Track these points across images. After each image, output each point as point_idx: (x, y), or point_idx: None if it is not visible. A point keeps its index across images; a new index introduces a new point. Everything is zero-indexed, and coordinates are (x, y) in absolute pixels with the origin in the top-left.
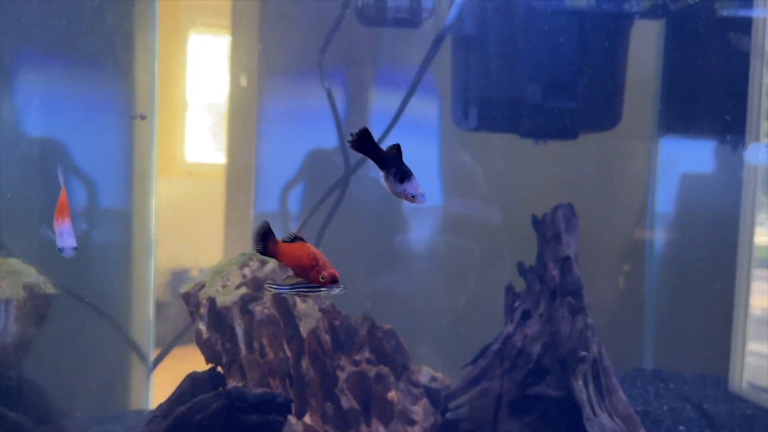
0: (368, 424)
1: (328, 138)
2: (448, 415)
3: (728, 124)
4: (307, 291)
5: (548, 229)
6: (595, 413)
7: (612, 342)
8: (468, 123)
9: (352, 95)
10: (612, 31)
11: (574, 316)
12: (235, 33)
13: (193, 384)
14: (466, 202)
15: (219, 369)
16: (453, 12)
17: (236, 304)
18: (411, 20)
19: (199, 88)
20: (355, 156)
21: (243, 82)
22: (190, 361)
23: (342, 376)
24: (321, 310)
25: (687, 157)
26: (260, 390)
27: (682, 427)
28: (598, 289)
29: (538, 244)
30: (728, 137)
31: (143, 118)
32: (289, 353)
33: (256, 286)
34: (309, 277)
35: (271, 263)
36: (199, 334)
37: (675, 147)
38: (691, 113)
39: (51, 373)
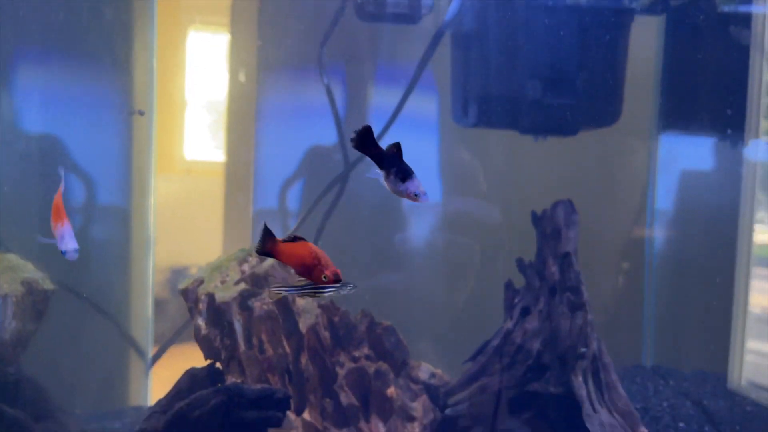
0: (367, 421)
1: (327, 135)
2: (448, 411)
3: (728, 121)
4: (315, 291)
5: (548, 225)
6: (594, 409)
7: (611, 339)
8: (467, 119)
9: (352, 91)
10: (612, 27)
11: (574, 312)
12: (233, 30)
13: (191, 380)
14: (466, 199)
15: (218, 365)
16: (452, 8)
17: (235, 300)
18: (410, 16)
19: (198, 85)
20: (354, 152)
21: (242, 77)
22: (188, 358)
23: (341, 372)
24: (320, 306)
25: (687, 154)
26: (259, 386)
27: (681, 424)
28: (597, 285)
29: (538, 240)
30: (728, 134)
31: (141, 113)
32: (288, 349)
33: (255, 281)
34: (312, 276)
35: (270, 259)
36: (197, 329)
37: (675, 143)
38: (691, 109)
39: (50, 369)
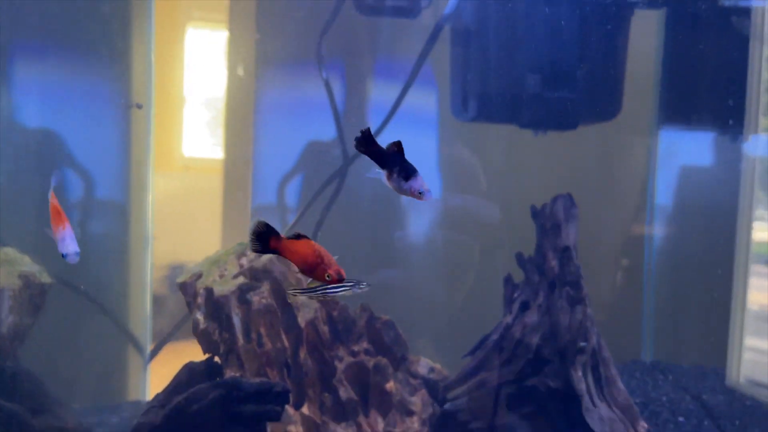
0: (366, 415)
1: (325, 130)
2: (447, 405)
3: (728, 116)
4: (331, 291)
5: (547, 220)
6: (594, 403)
7: (611, 334)
8: (467, 114)
9: (350, 86)
10: (612, 20)
11: (573, 306)
12: (232, 25)
13: (190, 374)
14: (465, 195)
15: (216, 359)
16: (452, 1)
17: (234, 294)
18: (410, 9)
19: (196, 82)
20: (353, 147)
21: (240, 72)
22: (187, 355)
23: (340, 366)
24: (319, 301)
25: (687, 150)
26: (258, 380)
27: (681, 418)
28: (597, 281)
29: (537, 234)
30: (728, 129)
31: (140, 107)
32: (286, 343)
33: (254, 275)
34: (314, 275)
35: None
36: (196, 323)
37: (675, 139)
38: (691, 104)
39: (47, 363)
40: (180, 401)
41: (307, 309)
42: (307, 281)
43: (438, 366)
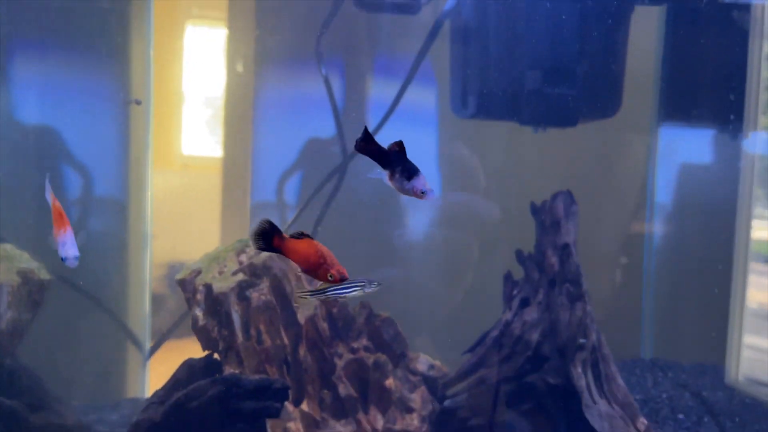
0: (366, 412)
1: (325, 127)
2: (446, 402)
3: (728, 114)
4: (342, 292)
5: (547, 217)
6: (594, 400)
7: (611, 331)
8: (466, 110)
9: (350, 83)
10: (612, 17)
11: (573, 303)
12: (231, 21)
13: (189, 371)
14: (464, 192)
15: (215, 356)
16: None
17: (233, 291)
18: (409, 6)
19: (196, 80)
20: (352, 144)
21: (239, 68)
22: (186, 352)
23: (339, 363)
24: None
25: (686, 147)
26: (257, 376)
27: (680, 415)
28: (596, 278)
29: (537, 231)
30: (727, 126)
31: (138, 103)
32: (286, 340)
33: (253, 272)
34: (317, 275)
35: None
36: (195, 320)
37: (675, 136)
38: (691, 102)
39: (47, 360)
40: (179, 398)
41: (306, 306)
42: (311, 281)
43: (437, 363)
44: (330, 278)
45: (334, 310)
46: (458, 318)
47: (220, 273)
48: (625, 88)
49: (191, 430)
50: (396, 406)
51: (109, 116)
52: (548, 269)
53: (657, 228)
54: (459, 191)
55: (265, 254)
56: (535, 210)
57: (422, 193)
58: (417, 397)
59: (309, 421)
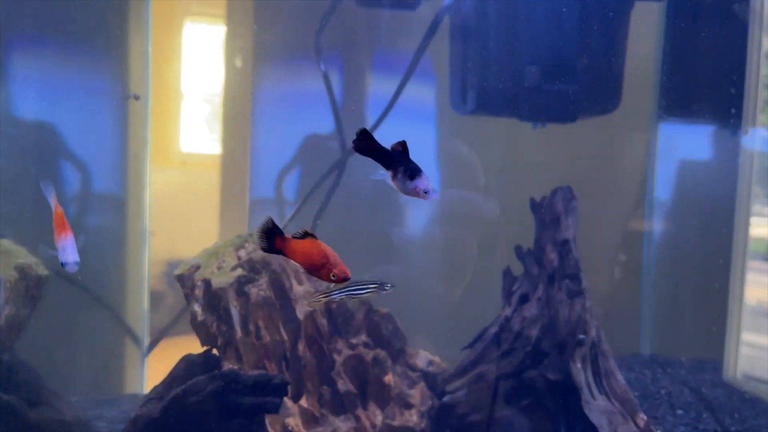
0: (365, 408)
1: (323, 122)
2: (445, 398)
3: (727, 111)
4: (355, 294)
5: (547, 212)
6: (593, 396)
7: (610, 327)
8: (466, 107)
9: (349, 79)
10: (612, 13)
11: (573, 299)
12: (229, 17)
13: (187, 366)
14: (464, 189)
15: (214, 351)
16: None
17: (232, 286)
18: (409, 1)
19: (194, 77)
20: (351, 140)
21: (238, 63)
22: (185, 349)
23: (339, 359)
24: (318, 292)
25: (686, 143)
26: (256, 372)
27: (679, 411)
28: (596, 274)
29: (536, 227)
30: (727, 124)
31: (137, 98)
32: (285, 336)
33: (252, 267)
34: (320, 275)
35: None
36: (194, 316)
37: (674, 132)
38: (691, 98)
39: (45, 356)
40: (178, 393)
41: (305, 302)
42: (311, 278)
43: (437, 359)
44: (333, 278)
45: (333, 306)
46: (457, 314)
47: (219, 268)
48: (624, 84)
49: (190, 426)
50: (395, 401)
51: (108, 112)
52: (548, 265)
53: (656, 224)
54: (458, 188)
55: None
56: (535, 206)
57: (425, 193)
58: (416, 393)
59: (308, 417)
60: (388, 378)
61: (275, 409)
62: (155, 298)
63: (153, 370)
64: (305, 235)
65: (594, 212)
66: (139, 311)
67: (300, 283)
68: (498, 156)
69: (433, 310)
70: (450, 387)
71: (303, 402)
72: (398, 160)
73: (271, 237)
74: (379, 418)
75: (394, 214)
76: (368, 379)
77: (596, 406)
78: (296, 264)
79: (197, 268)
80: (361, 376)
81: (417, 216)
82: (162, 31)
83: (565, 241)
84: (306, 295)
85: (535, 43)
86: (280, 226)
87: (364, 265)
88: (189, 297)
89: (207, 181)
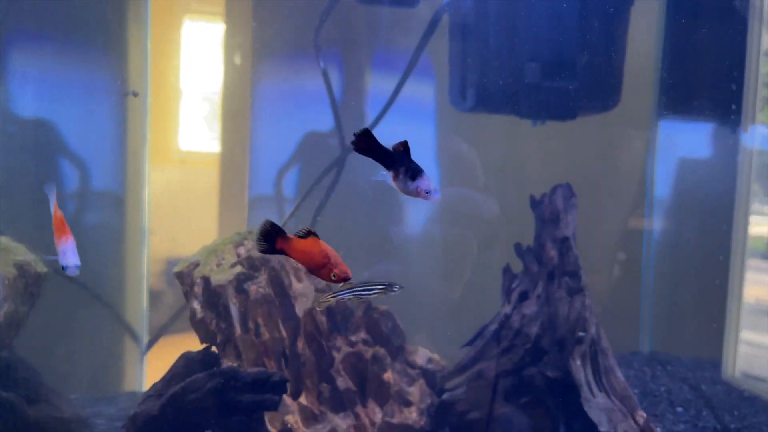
0: (364, 405)
1: (323, 120)
2: (445, 396)
3: (727, 109)
4: (364, 294)
5: (546, 210)
6: (592, 393)
7: (609, 325)
8: (465, 104)
9: (348, 76)
10: (612, 10)
11: (572, 296)
12: (228, 14)
13: (187, 364)
14: (463, 187)
15: (213, 348)
16: None
17: (231, 283)
18: None
19: (193, 75)
20: (350, 137)
21: (237, 60)
22: (184, 348)
23: (338, 356)
24: (317, 290)
25: (686, 141)
26: (255, 369)
27: (679, 408)
28: (596, 272)
29: (536, 224)
30: (726, 121)
31: (136, 95)
32: (284, 333)
33: (251, 265)
34: (320, 274)
35: None
36: (193, 313)
37: (674, 130)
38: (690, 96)
39: (44, 353)
40: (177, 391)
41: (304, 299)
42: (312, 276)
43: (436, 356)
44: (333, 278)
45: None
46: (457, 311)
47: (218, 265)
48: (624, 82)
49: (189, 423)
50: (394, 399)
51: (107, 110)
52: (547, 262)
53: (656, 222)
54: (458, 186)
55: None
56: (535, 203)
57: (427, 193)
58: (415, 391)
59: (307, 414)
60: (388, 375)
61: (274, 406)
62: (154, 295)
63: (152, 367)
64: (308, 234)
65: (593, 210)
66: (138, 309)
67: (299, 280)
68: (497, 154)
69: (432, 308)
70: (449, 384)
71: (302, 399)
72: (399, 161)
73: (272, 239)
74: (378, 416)
75: (394, 212)
76: (367, 377)
77: (596, 404)
78: (300, 265)
79: (196, 265)
80: (360, 373)
81: (416, 214)
82: (161, 28)
83: (565, 239)
84: (306, 291)
85: (535, 39)
86: (280, 224)
87: (363, 264)
88: (188, 294)
89: (206, 179)
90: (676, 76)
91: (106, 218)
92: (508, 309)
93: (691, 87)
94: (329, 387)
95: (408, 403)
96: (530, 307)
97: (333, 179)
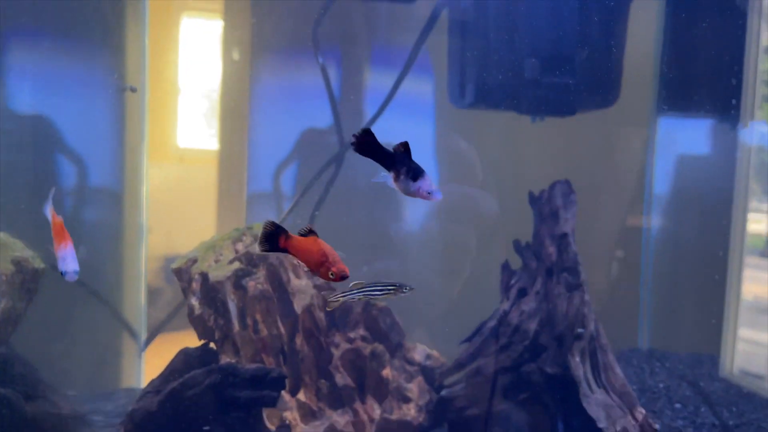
0: (363, 402)
1: (321, 116)
2: (443, 392)
3: (726, 106)
4: (373, 295)
5: (545, 206)
6: (591, 389)
7: (608, 322)
8: (464, 100)
9: (347, 73)
10: (611, 6)
11: (571, 292)
12: (227, 14)
13: (185, 360)
14: (462, 184)
15: (212, 345)
16: None
17: (229, 279)
18: None
19: (191, 72)
20: (350, 135)
21: (235, 56)
22: (182, 344)
23: (336, 353)
24: (315, 286)
25: (685, 138)
26: (253, 365)
27: (677, 405)
28: (594, 269)
29: (535, 221)
30: (725, 118)
31: (133, 90)
32: (283, 330)
33: (250, 261)
34: (319, 273)
35: None
36: (191, 309)
37: (673, 127)
38: (689, 93)
39: (42, 350)
40: (175, 387)
41: (303, 295)
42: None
43: (435, 353)
44: (331, 276)
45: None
46: (456, 308)
47: (216, 261)
48: (623, 78)
49: (187, 420)
50: (393, 395)
51: (105, 106)
52: (546, 259)
53: (654, 219)
54: (457, 182)
55: None
56: (533, 199)
57: (428, 194)
58: (414, 387)
59: (305, 411)
60: (386, 372)
61: (273, 402)
62: (152, 292)
63: (150, 364)
64: (309, 233)
65: (592, 207)
66: (136, 305)
67: (298, 276)
68: (496, 151)
69: (431, 304)
70: (448, 381)
71: (300, 396)
72: (400, 161)
73: (274, 239)
74: (376, 412)
75: (393, 209)
76: (366, 373)
77: (594, 400)
78: (303, 264)
79: (194, 261)
80: (358, 370)
81: (416, 211)
82: (159, 23)
83: (564, 235)
84: (304, 288)
85: (534, 35)
86: (278, 220)
87: (363, 261)
88: (186, 291)
89: (204, 176)
90: (676, 73)
91: (104, 215)
92: (506, 305)
93: (691, 84)
94: (328, 383)
95: (406, 400)
96: (529, 304)
97: (332, 175)
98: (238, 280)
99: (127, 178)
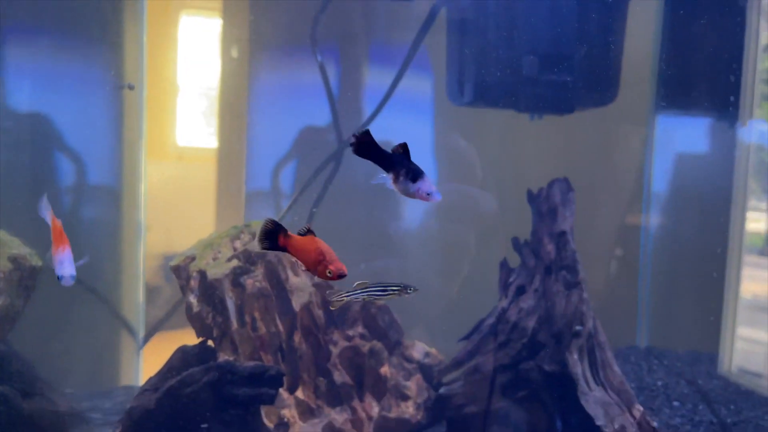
0: (361, 399)
1: (320, 114)
2: (442, 390)
3: (724, 104)
4: (377, 295)
5: (543, 204)
6: (589, 387)
7: (606, 320)
8: (463, 98)
9: (345, 71)
10: (610, 4)
11: (570, 290)
12: (225, 8)
13: (183, 357)
14: (461, 182)
15: (210, 342)
16: None
17: (227, 277)
18: None
19: (190, 71)
20: (349, 132)
21: (234, 53)
22: (180, 342)
23: (335, 350)
24: (314, 284)
25: (683, 136)
26: (252, 363)
27: (675, 402)
28: (593, 267)
29: (534, 219)
30: (724, 117)
31: (131, 87)
32: (281, 327)
33: (248, 258)
34: (317, 271)
35: None
36: (189, 307)
37: (672, 125)
38: (688, 90)
39: (40, 347)
40: (173, 384)
41: (301, 293)
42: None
43: (433, 350)
44: (328, 275)
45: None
46: (454, 306)
47: (215, 259)
48: (622, 76)
49: (185, 417)
50: (391, 393)
51: (103, 103)
52: (545, 256)
53: (653, 218)
54: (456, 181)
55: None
56: (532, 197)
57: (428, 195)
58: (412, 385)
59: (304, 408)
60: (385, 369)
61: (271, 400)
62: (151, 290)
63: (148, 362)
64: (308, 232)
65: (591, 205)
66: (135, 303)
67: (296, 274)
68: (495, 149)
69: (429, 302)
70: (446, 378)
71: (299, 393)
72: (399, 163)
73: (274, 236)
74: (375, 410)
75: (392, 208)
76: (364, 371)
77: (593, 398)
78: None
79: (192, 259)
80: (357, 367)
81: (415, 209)
82: (157, 21)
83: (562, 233)
84: (302, 285)
85: (533, 33)
86: (277, 218)
87: (361, 259)
88: (184, 288)
89: (203, 174)
90: (674, 71)
91: (103, 213)
92: (505, 303)
93: (690, 82)
94: (326, 381)
95: (405, 397)
96: (527, 301)
97: (330, 173)
98: (236, 277)
99: (126, 175)
